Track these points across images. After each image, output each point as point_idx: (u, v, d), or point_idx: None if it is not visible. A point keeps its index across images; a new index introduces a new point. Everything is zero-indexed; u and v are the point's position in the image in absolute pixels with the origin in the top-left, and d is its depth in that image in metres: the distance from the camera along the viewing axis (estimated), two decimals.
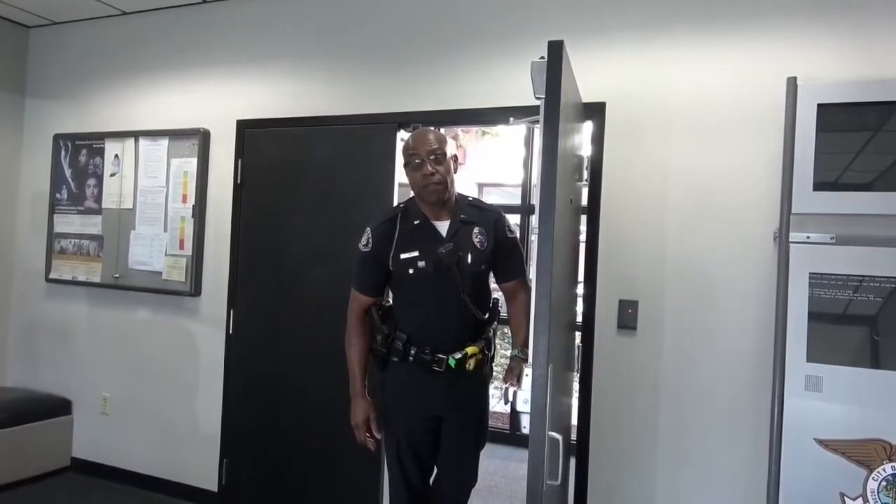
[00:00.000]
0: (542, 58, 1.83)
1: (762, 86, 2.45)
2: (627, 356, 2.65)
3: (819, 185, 2.20)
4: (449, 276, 2.15)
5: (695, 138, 2.58)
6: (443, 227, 2.23)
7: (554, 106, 1.77)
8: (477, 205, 2.34)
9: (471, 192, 7.62)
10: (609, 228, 2.70)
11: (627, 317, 2.64)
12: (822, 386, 2.08)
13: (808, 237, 2.19)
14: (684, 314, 2.57)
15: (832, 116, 2.21)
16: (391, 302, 2.36)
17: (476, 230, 2.24)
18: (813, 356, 2.10)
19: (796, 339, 2.12)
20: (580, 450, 2.71)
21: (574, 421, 2.76)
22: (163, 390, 3.65)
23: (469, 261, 2.20)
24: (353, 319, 2.30)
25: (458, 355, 2.16)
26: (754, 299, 2.45)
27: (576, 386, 2.79)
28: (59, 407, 3.87)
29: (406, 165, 2.22)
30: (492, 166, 7.20)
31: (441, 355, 2.16)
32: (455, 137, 7.32)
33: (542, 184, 1.77)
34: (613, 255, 2.69)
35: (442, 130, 3.44)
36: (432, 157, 2.15)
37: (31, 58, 4.19)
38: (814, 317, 2.12)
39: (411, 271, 2.18)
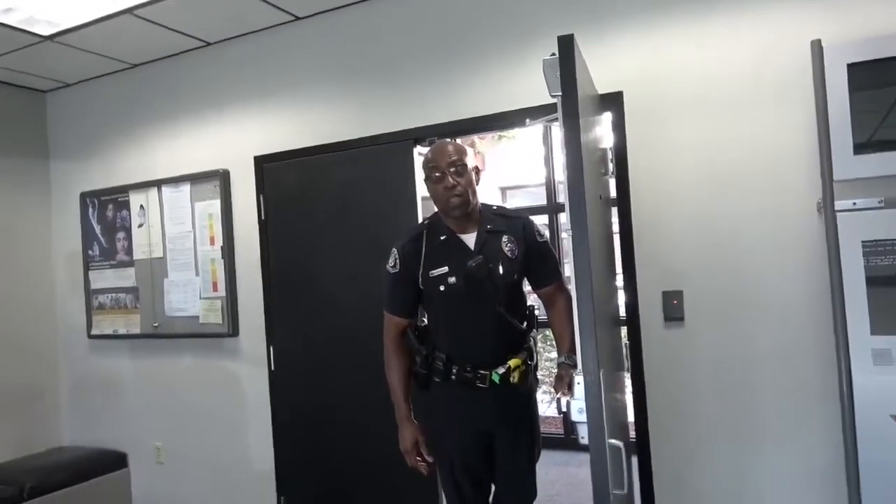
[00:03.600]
0: (553, 54, 1.77)
1: (786, 53, 2.35)
2: (678, 349, 2.55)
3: (860, 148, 2.09)
4: (482, 289, 2.09)
5: (721, 115, 2.48)
6: (470, 239, 2.18)
7: (571, 102, 1.71)
8: (503, 213, 2.29)
9: (494, 196, 7.56)
10: (642, 219, 2.61)
11: (673, 308, 2.54)
12: (892, 358, 1.96)
13: (854, 203, 2.09)
14: (733, 299, 2.47)
15: (864, 75, 2.11)
16: (426, 322, 2.32)
17: (505, 238, 2.19)
18: (877, 328, 1.99)
19: (857, 313, 2.02)
20: (641, 449, 2.62)
21: (630, 418, 2.67)
22: (213, 433, 3.66)
23: (501, 271, 2.14)
24: (390, 343, 2.26)
25: (502, 370, 2.10)
26: (805, 275, 2.34)
27: (628, 384, 2.70)
28: (115, 461, 3.90)
29: (427, 179, 2.18)
30: (512, 169, 7.13)
31: (483, 371, 2.11)
32: (472, 145, 7.28)
33: (570, 185, 1.71)
34: (650, 247, 2.60)
35: (458, 140, 3.41)
36: (452, 168, 2.11)
37: (50, 121, 4.28)
38: (872, 286, 2.01)
39: (442, 288, 2.13)
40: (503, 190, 7.61)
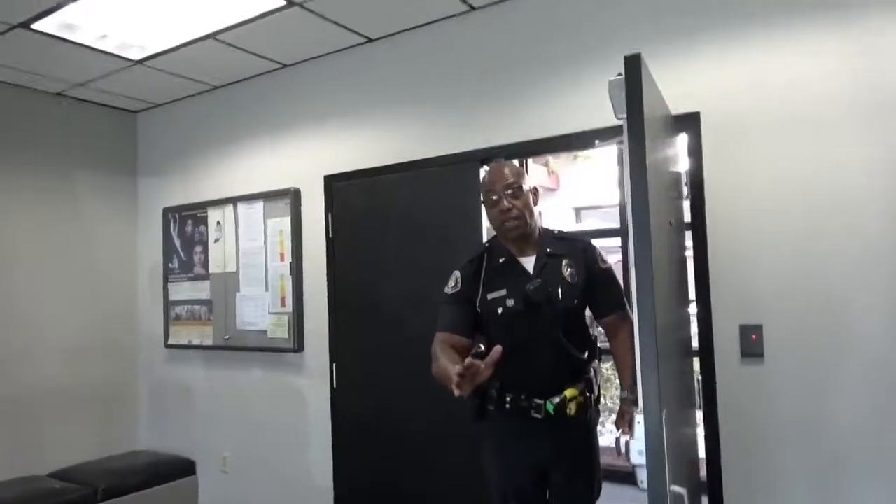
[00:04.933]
0: (620, 75, 1.69)
1: (887, 73, 2.16)
2: (756, 388, 2.36)
3: None
4: (540, 314, 2.02)
5: (809, 138, 2.30)
6: (529, 262, 2.13)
7: (637, 124, 1.62)
8: (563, 237, 2.23)
9: (567, 217, 7.41)
10: (719, 246, 2.45)
11: (751, 343, 2.36)
12: None
13: None
14: (818, 336, 2.27)
15: None
16: (482, 348, 2.24)
17: (565, 262, 2.12)
18: None
19: None
20: (712, 490, 2.43)
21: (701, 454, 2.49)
22: (276, 445, 3.71)
23: (560, 296, 2.06)
24: (436, 347, 2.09)
25: (557, 399, 2.01)
26: None
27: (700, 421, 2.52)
28: (184, 468, 4.01)
29: (483, 202, 2.17)
30: (587, 189, 6.97)
31: (538, 401, 2.02)
32: (546, 164, 7.17)
33: (634, 210, 1.61)
34: (728, 276, 2.43)
35: (530, 159, 3.33)
36: (509, 191, 2.08)
37: (140, 140, 4.53)
38: None
39: (500, 311, 2.08)
40: (577, 210, 7.45)
